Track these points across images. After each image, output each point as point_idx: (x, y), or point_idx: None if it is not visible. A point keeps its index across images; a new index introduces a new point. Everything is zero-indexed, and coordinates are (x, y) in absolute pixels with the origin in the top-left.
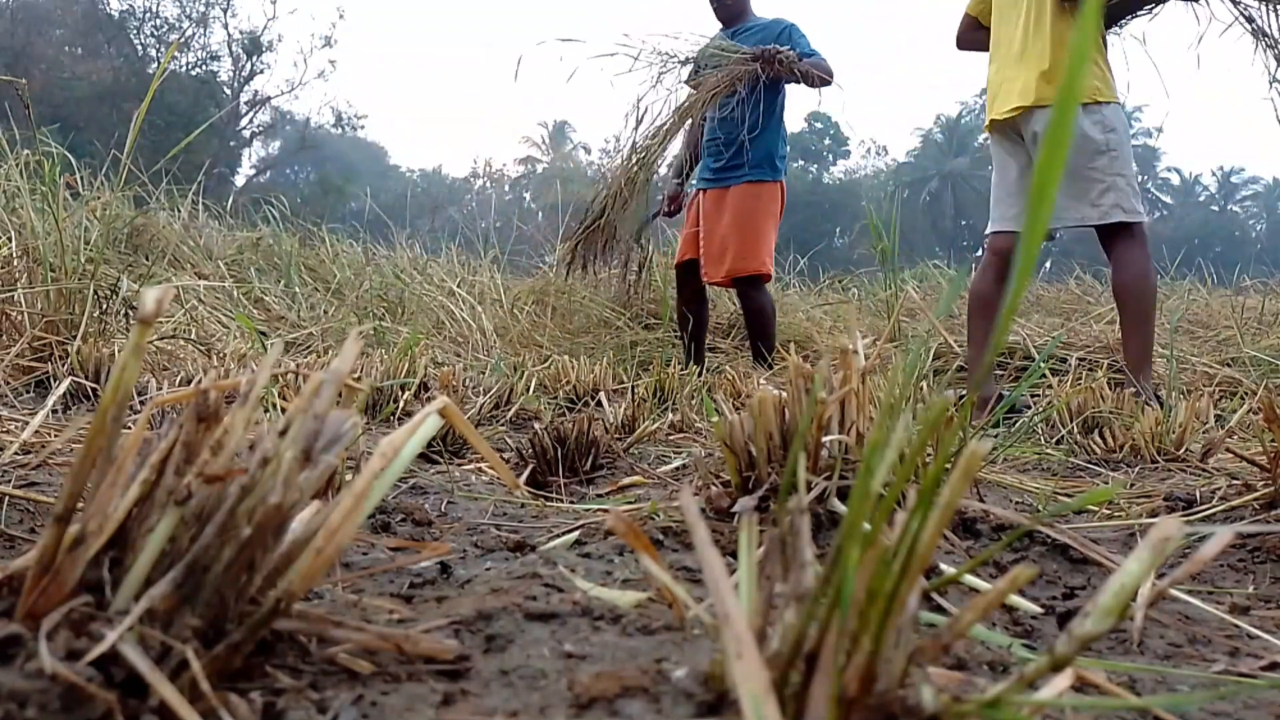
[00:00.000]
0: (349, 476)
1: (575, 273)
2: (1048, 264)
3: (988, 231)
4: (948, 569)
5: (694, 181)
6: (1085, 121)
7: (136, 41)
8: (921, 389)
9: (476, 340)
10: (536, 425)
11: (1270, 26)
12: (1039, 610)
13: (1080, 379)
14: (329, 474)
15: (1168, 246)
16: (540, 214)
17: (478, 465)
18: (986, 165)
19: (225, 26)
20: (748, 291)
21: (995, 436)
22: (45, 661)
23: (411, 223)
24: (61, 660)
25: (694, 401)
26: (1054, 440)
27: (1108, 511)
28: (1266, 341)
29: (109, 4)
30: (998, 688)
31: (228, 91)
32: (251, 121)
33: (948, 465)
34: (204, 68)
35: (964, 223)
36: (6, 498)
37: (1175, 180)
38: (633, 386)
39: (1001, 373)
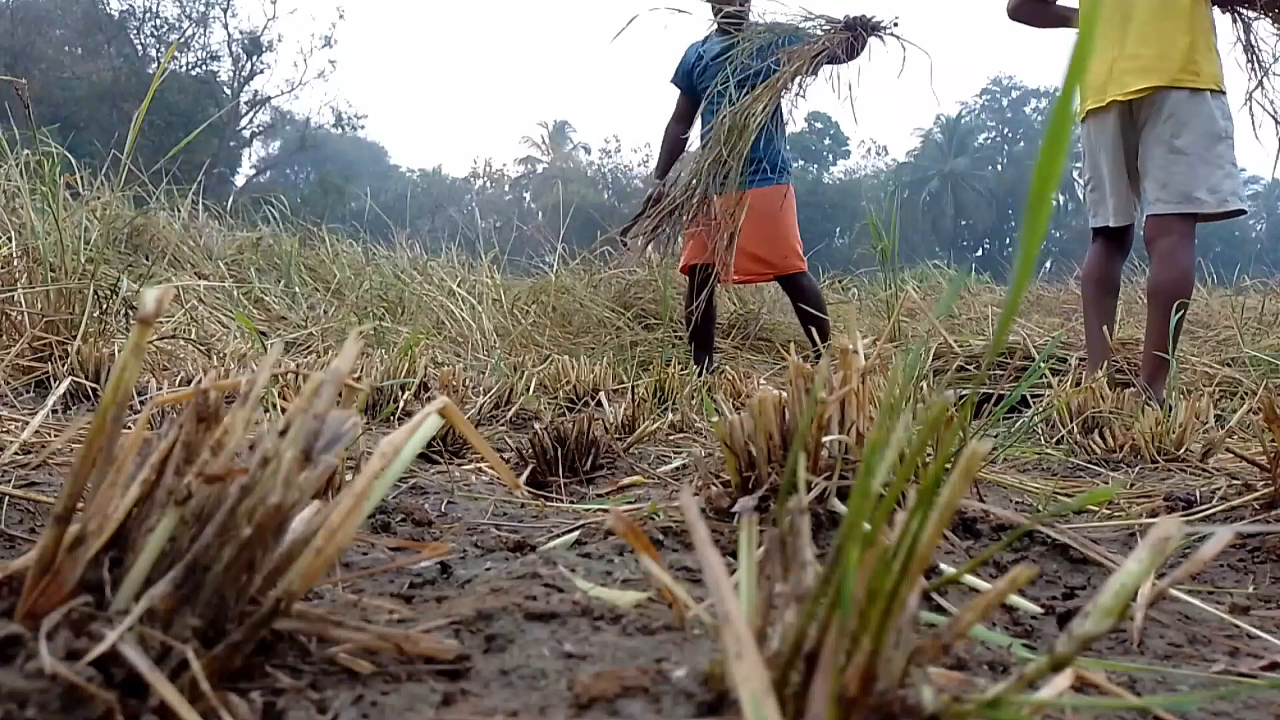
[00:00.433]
0: (349, 476)
1: (652, 254)
2: (1048, 264)
3: (1094, 225)
4: (948, 569)
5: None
6: (1213, 106)
7: (136, 41)
8: (921, 389)
9: (476, 340)
10: (536, 425)
11: (1256, 38)
12: (1039, 610)
13: (1080, 379)
14: (329, 474)
15: None
16: (540, 214)
17: (478, 465)
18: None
19: (225, 26)
20: (798, 284)
21: (995, 436)
22: (45, 661)
23: (411, 223)
24: (61, 660)
25: (694, 401)
26: (1054, 440)
27: (1108, 511)
28: (1266, 341)
29: (109, 4)
30: (998, 688)
31: (228, 91)
32: (251, 121)
33: (948, 465)
34: (204, 68)
35: (964, 223)
36: (6, 498)
37: None
38: (633, 386)
39: (1001, 372)
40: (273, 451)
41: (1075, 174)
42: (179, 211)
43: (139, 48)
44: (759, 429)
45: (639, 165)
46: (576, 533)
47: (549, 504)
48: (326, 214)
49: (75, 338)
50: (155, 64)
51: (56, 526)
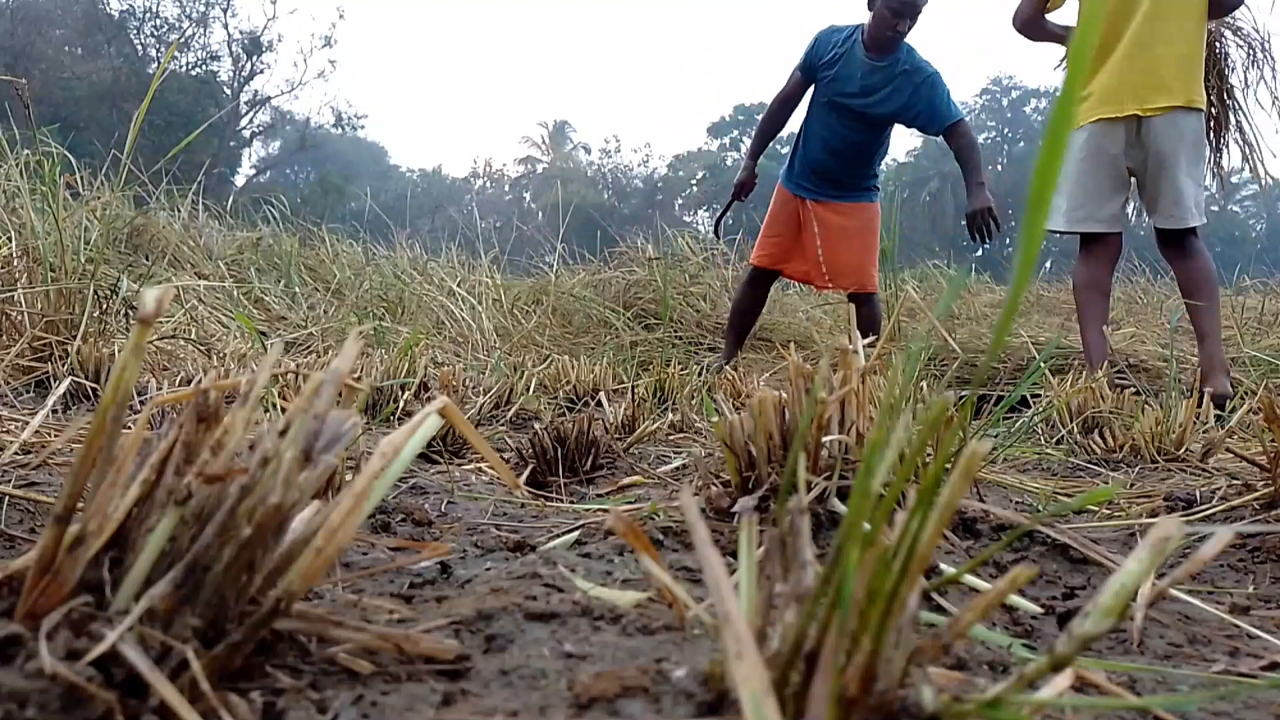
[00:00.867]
0: (349, 476)
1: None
2: (1048, 264)
3: (1078, 230)
4: (948, 569)
5: (789, 185)
6: (1198, 125)
7: (136, 41)
8: (921, 389)
9: (476, 340)
10: (536, 425)
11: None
12: (1039, 610)
13: (1080, 379)
14: (329, 474)
15: None
16: (540, 214)
17: (478, 465)
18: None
19: (225, 26)
20: (869, 301)
21: (995, 436)
22: (45, 661)
23: (411, 223)
24: (61, 660)
25: (694, 401)
26: (1054, 440)
27: (1108, 511)
28: (1266, 341)
29: (109, 4)
30: (998, 688)
31: (228, 91)
32: (251, 121)
33: (948, 465)
34: (204, 68)
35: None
36: (6, 498)
37: None
38: (633, 386)
39: (1000, 367)
40: (273, 451)
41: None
42: (179, 211)
43: (139, 48)
44: (759, 429)
45: (639, 165)
46: (576, 533)
47: (549, 504)
48: (326, 214)
49: (75, 338)
50: (155, 64)
51: (56, 526)
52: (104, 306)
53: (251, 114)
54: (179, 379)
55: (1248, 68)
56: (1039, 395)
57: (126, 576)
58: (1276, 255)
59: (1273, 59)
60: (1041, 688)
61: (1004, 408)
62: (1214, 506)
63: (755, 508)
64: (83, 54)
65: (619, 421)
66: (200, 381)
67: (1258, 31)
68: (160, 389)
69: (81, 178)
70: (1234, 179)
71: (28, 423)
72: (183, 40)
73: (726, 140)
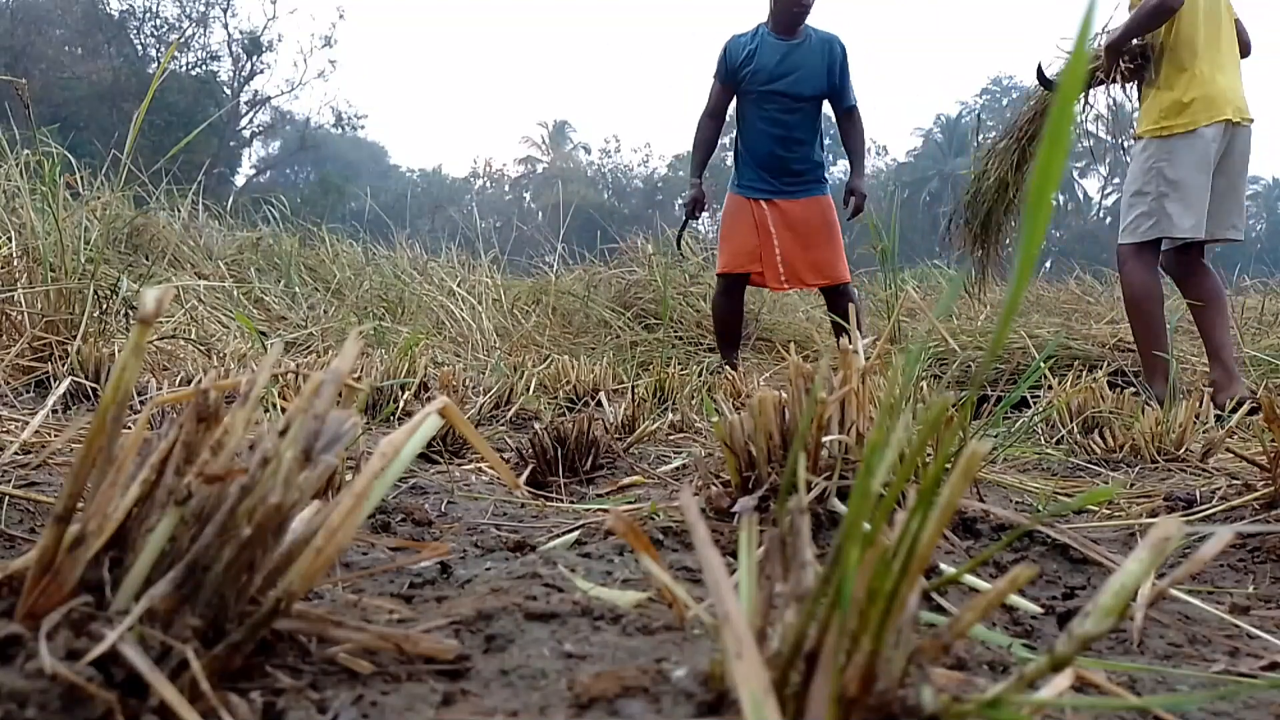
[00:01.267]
0: (349, 476)
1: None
2: (1048, 264)
3: (1175, 235)
4: (948, 569)
5: (741, 190)
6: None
7: (136, 41)
8: (921, 389)
9: (476, 340)
10: (536, 425)
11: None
12: (1039, 610)
13: (1080, 378)
14: (329, 474)
15: None
16: (540, 214)
17: (478, 465)
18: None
19: (225, 26)
20: (844, 292)
21: (995, 436)
22: (45, 661)
23: (411, 223)
24: (61, 660)
25: (694, 401)
26: (1054, 440)
27: (1108, 511)
28: (1266, 341)
29: (109, 4)
30: (998, 688)
31: (228, 91)
32: (251, 121)
33: (948, 465)
34: (204, 68)
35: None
36: (6, 498)
37: None
38: (633, 386)
39: (1002, 367)
40: (273, 451)
41: (1075, 174)
42: (179, 211)
43: (139, 48)
44: (759, 429)
45: (639, 165)
46: (576, 533)
47: (549, 504)
48: (326, 214)
49: (75, 338)
50: (155, 64)
51: (56, 526)
52: (104, 306)
53: (251, 114)
54: (179, 379)
55: None
56: (1039, 395)
57: (126, 576)
58: (1276, 255)
59: None
60: (1041, 688)
61: (1004, 408)
62: (1214, 506)
63: (755, 508)
64: (83, 54)
65: (619, 421)
66: (200, 381)
67: None
68: (160, 389)
69: (81, 178)
70: None
71: (28, 423)
72: (183, 40)
73: (726, 140)
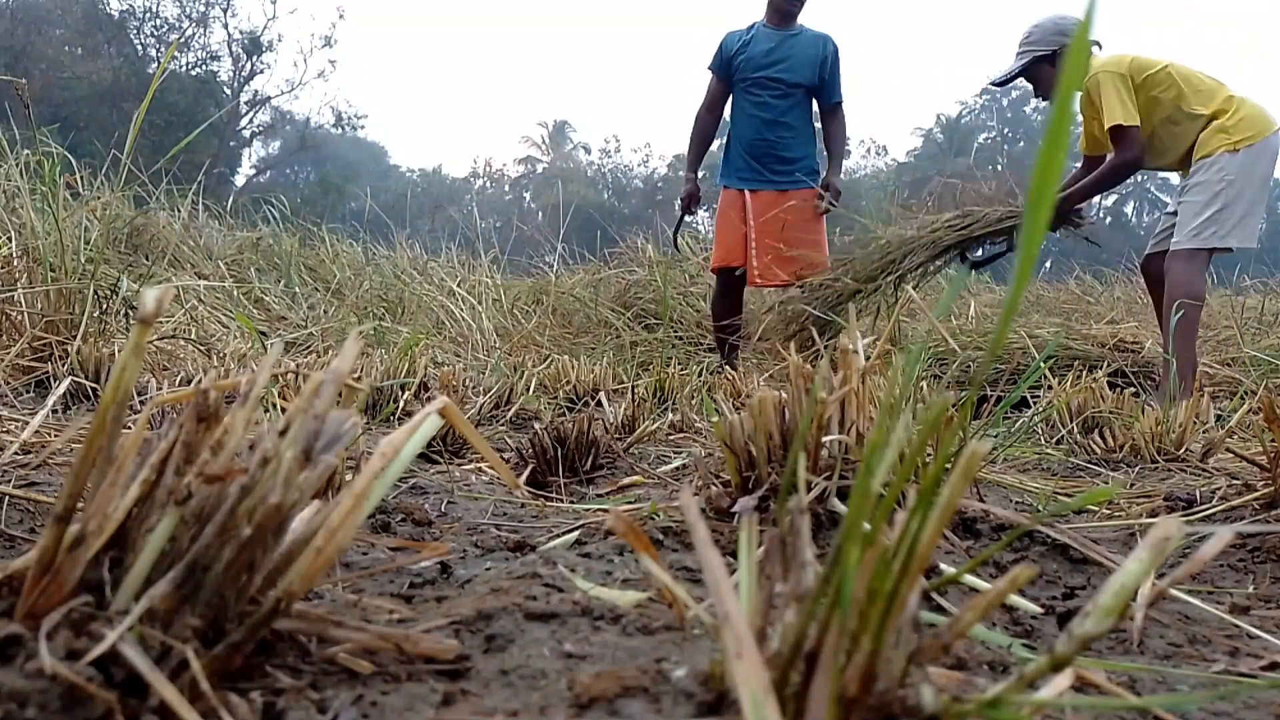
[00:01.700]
0: (349, 476)
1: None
2: (1048, 264)
3: (1236, 245)
4: (948, 569)
5: (730, 181)
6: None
7: (136, 41)
8: (921, 389)
9: (476, 340)
10: (536, 425)
11: None
12: (1039, 610)
13: (1080, 378)
14: (329, 474)
15: None
16: (540, 214)
17: (478, 465)
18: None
19: (225, 26)
20: None
21: (995, 436)
22: (45, 661)
23: (411, 223)
24: (61, 660)
25: (694, 401)
26: (1054, 440)
27: (1108, 511)
28: (1266, 341)
29: (109, 4)
30: (998, 688)
31: (228, 91)
32: (251, 121)
33: (948, 465)
34: (204, 68)
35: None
36: (6, 498)
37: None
38: (633, 386)
39: (1002, 367)
40: (273, 451)
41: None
42: (179, 211)
43: (139, 48)
44: (759, 429)
45: (639, 165)
46: (576, 533)
47: (549, 504)
48: (326, 214)
49: (75, 338)
50: (155, 64)
51: (56, 526)
52: (104, 306)
53: (251, 114)
54: (179, 379)
55: None
56: (1039, 395)
57: (126, 576)
58: (1277, 255)
59: None
60: (1041, 688)
61: (1004, 408)
62: (1214, 506)
63: (755, 508)
64: (83, 54)
65: (619, 421)
66: (200, 381)
67: None
68: (160, 389)
69: (81, 178)
70: None
71: (28, 423)
72: (183, 40)
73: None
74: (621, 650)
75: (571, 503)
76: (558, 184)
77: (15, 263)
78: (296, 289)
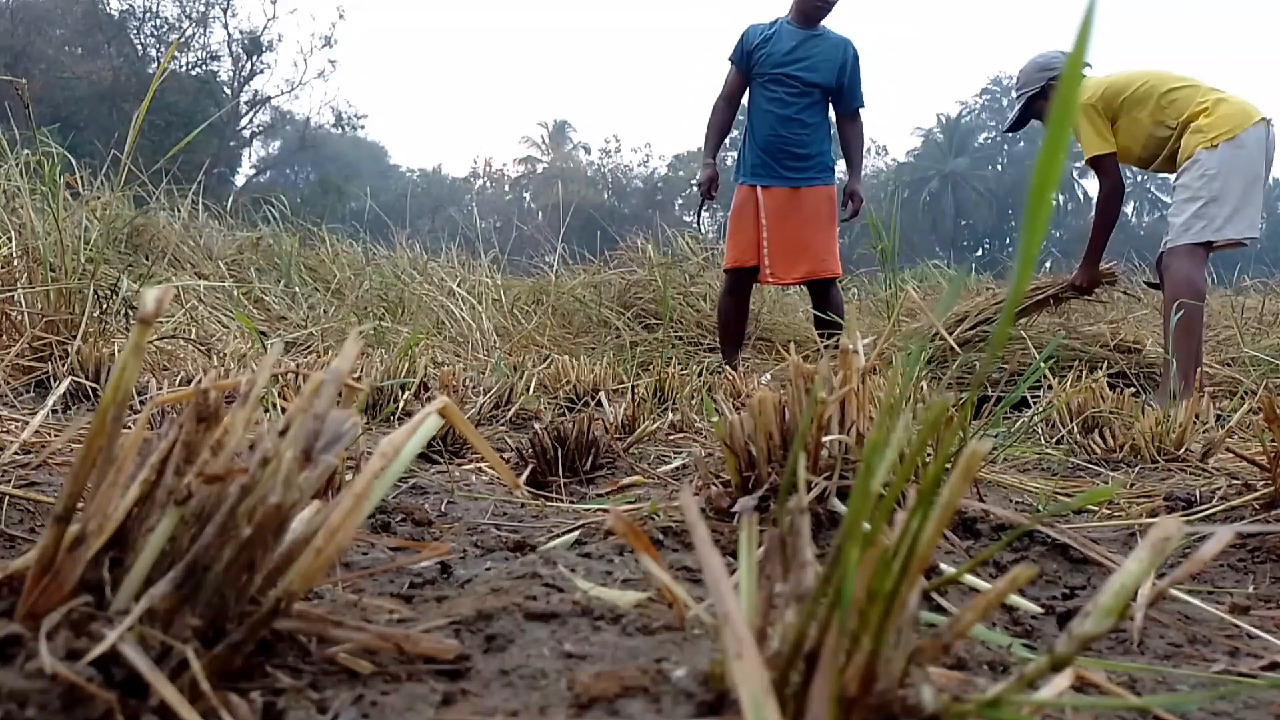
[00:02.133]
0: (349, 476)
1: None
2: (1048, 264)
3: (1234, 237)
4: (948, 569)
5: (744, 177)
6: None
7: (136, 41)
8: (921, 389)
9: (476, 340)
10: (536, 425)
11: None
12: (1039, 610)
13: (1080, 379)
14: (329, 474)
15: None
16: (540, 214)
17: (478, 465)
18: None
19: (225, 26)
20: (828, 291)
21: (995, 436)
22: (45, 661)
23: (411, 223)
24: (61, 660)
25: (694, 401)
26: (1054, 440)
27: (1108, 511)
28: (1266, 341)
29: (109, 4)
30: (998, 688)
31: (228, 91)
32: (251, 121)
33: (948, 465)
34: (204, 68)
35: (964, 223)
36: (6, 498)
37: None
38: (633, 386)
39: (1005, 366)
40: (273, 451)
41: (1075, 174)
42: (179, 211)
43: (139, 48)
44: (759, 429)
45: (639, 165)
46: (576, 533)
47: (549, 504)
48: (326, 214)
49: (75, 338)
50: (155, 64)
51: (56, 526)
52: (104, 306)
53: (251, 114)
54: (179, 379)
55: None
56: (1039, 395)
57: (126, 576)
58: (1276, 255)
59: None
60: (1041, 688)
61: (1004, 408)
62: (1214, 506)
63: (755, 508)
64: (83, 54)
65: (619, 421)
66: (200, 381)
67: None
68: (160, 389)
69: (81, 178)
70: None
71: (28, 423)
72: (183, 40)
73: (727, 140)
74: (621, 650)
75: (571, 503)
76: (558, 184)
77: (15, 263)
78: (296, 289)
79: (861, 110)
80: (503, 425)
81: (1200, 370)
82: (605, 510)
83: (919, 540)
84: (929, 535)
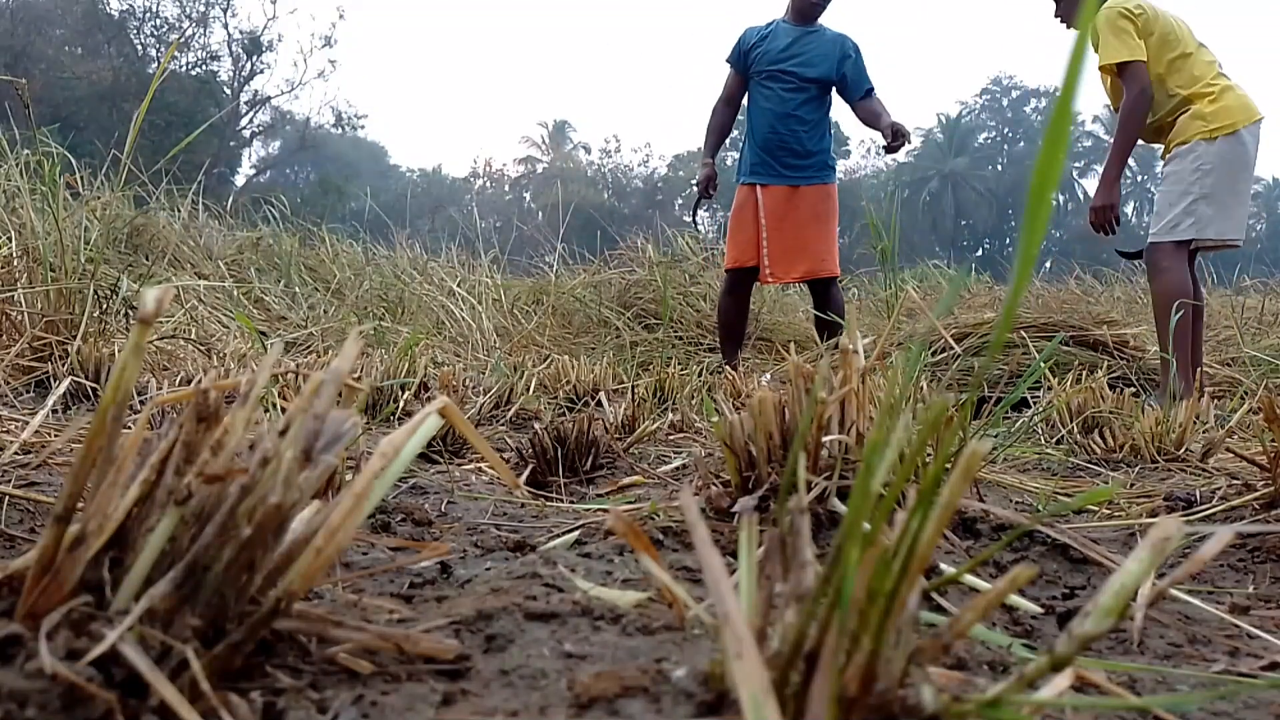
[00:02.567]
0: (349, 476)
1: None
2: (1048, 264)
3: (1219, 238)
4: (948, 569)
5: (744, 176)
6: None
7: (136, 41)
8: (921, 389)
9: (476, 340)
10: (536, 425)
11: None
12: (1039, 610)
13: (1080, 379)
14: (329, 474)
15: None
16: (540, 214)
17: (478, 465)
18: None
19: (225, 26)
20: (828, 291)
21: (995, 436)
22: (45, 661)
23: (411, 223)
24: (61, 660)
25: (694, 401)
26: (1054, 440)
27: (1108, 511)
28: (1266, 341)
29: (109, 4)
30: (998, 688)
31: (228, 91)
32: (251, 121)
33: (948, 465)
34: (204, 68)
35: (964, 223)
36: (6, 498)
37: None
38: (633, 386)
39: (1004, 367)
40: (273, 451)
41: (1075, 174)
42: (179, 211)
43: (139, 48)
44: (759, 429)
45: (639, 165)
46: (576, 533)
47: (549, 504)
48: (326, 214)
49: (75, 338)
50: (155, 64)
51: (56, 526)
52: (104, 306)
53: (251, 114)
54: (179, 379)
55: None
56: (1039, 395)
57: (126, 576)
58: (1276, 255)
59: None
60: (1041, 688)
61: (1004, 408)
62: (1214, 506)
63: (755, 508)
64: (83, 54)
65: (619, 421)
66: (200, 381)
67: None
68: (160, 389)
69: (81, 178)
70: None
71: (28, 423)
72: (183, 40)
73: (727, 140)
74: (621, 650)
75: (571, 503)
76: (558, 184)
77: (15, 263)
78: (296, 289)
79: (873, 90)
80: (503, 425)
81: (1200, 370)
82: (605, 510)
83: (919, 540)
84: (929, 535)
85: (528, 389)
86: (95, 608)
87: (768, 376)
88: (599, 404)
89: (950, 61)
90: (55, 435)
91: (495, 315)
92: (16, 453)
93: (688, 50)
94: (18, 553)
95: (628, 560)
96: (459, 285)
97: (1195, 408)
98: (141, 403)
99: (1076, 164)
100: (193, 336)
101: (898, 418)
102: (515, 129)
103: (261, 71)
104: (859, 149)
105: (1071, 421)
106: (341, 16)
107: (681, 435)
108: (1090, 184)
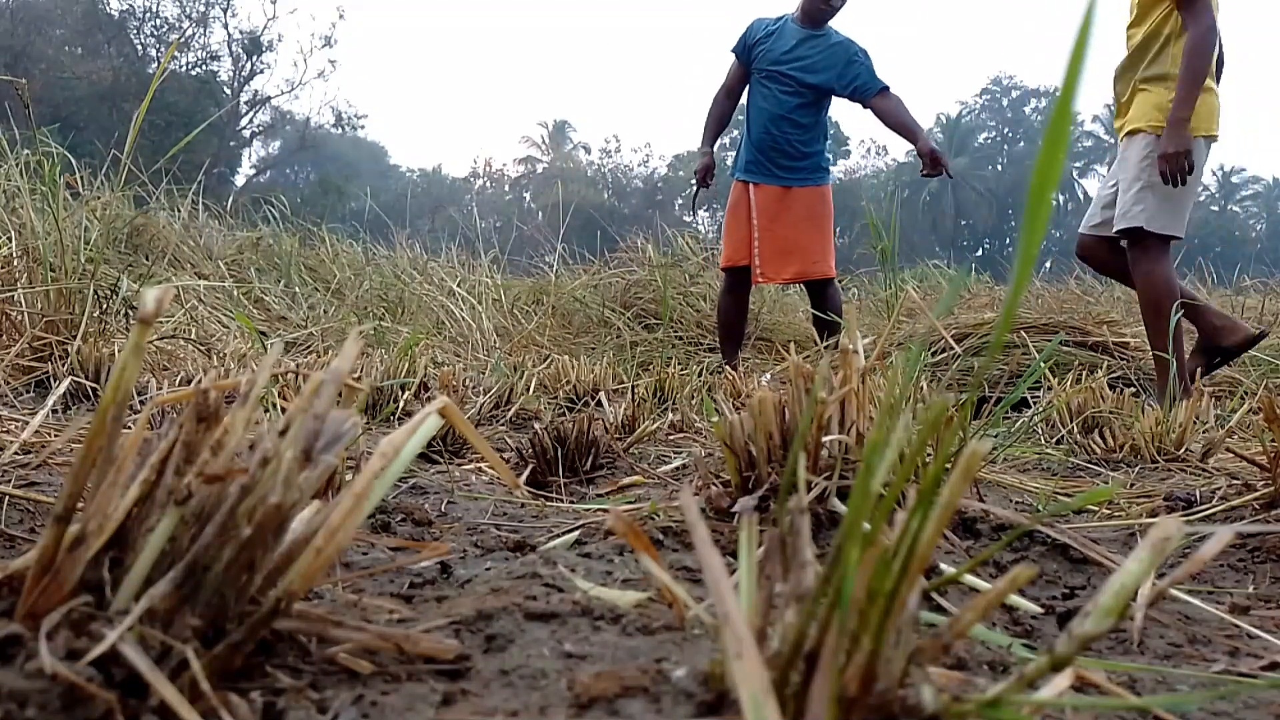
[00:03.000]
0: (349, 476)
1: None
2: (1048, 264)
3: (1171, 233)
4: (948, 569)
5: (739, 173)
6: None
7: (136, 41)
8: (921, 389)
9: (476, 340)
10: (536, 425)
11: None
12: (1039, 610)
13: (1080, 379)
14: (329, 474)
15: None
16: (540, 214)
17: (478, 465)
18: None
19: (225, 26)
20: (824, 291)
21: (995, 436)
22: (45, 661)
23: (411, 223)
24: (61, 660)
25: (694, 401)
26: (1054, 440)
27: (1108, 511)
28: (1266, 341)
29: (109, 4)
30: (998, 688)
31: (228, 91)
32: (251, 121)
33: (948, 465)
34: (204, 68)
35: (964, 223)
36: (6, 498)
37: None
38: (633, 386)
39: (1004, 367)
40: (273, 451)
41: (1075, 174)
42: (179, 211)
43: (139, 48)
44: (759, 429)
45: (639, 165)
46: (576, 533)
47: (549, 504)
48: (326, 214)
49: (75, 338)
50: (155, 64)
51: (56, 526)
52: (104, 306)
53: (251, 114)
54: (179, 379)
55: None
56: (1039, 395)
57: (126, 576)
58: (1276, 255)
59: None
60: (1041, 688)
61: (1004, 408)
62: (1214, 506)
63: (755, 508)
64: (83, 54)
65: (619, 421)
66: (200, 381)
67: None
68: (160, 389)
69: (81, 178)
70: (1233, 179)
71: (28, 423)
72: (183, 40)
73: (727, 140)
74: (621, 650)
75: (571, 503)
76: (558, 184)
77: (15, 263)
78: (296, 289)
79: (888, 89)
80: (503, 425)
81: (1194, 370)
82: (605, 510)
83: (919, 540)
84: (929, 535)
85: (528, 389)
86: (95, 608)
87: (768, 376)
88: (599, 404)
89: (950, 61)
90: (55, 435)
91: (495, 315)
92: (16, 453)
93: (688, 50)
94: (18, 553)
95: (628, 560)
96: (459, 285)
97: (1195, 408)
98: (141, 403)
99: (1076, 164)
100: (193, 336)
101: (898, 418)
102: (515, 129)
103: (261, 71)
104: (859, 149)
105: (1071, 421)
106: (341, 16)
107: (681, 435)
108: (1090, 184)
